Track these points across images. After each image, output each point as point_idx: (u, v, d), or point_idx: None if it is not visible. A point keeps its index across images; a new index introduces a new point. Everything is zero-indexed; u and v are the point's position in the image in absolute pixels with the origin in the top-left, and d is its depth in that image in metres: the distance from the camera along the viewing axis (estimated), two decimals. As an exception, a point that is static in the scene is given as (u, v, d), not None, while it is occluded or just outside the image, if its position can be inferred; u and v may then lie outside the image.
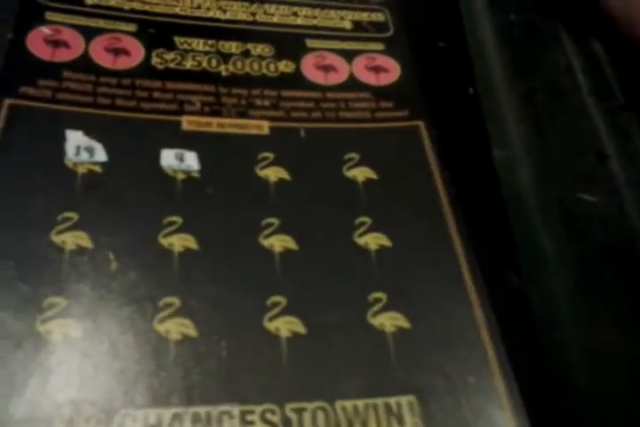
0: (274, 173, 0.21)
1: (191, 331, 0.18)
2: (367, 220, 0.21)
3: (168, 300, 0.18)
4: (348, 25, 0.27)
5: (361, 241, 0.20)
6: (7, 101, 0.21)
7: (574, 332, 0.20)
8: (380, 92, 0.24)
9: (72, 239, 0.19)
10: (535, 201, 0.23)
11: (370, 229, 0.21)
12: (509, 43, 0.28)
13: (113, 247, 0.19)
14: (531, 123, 0.25)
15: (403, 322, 0.19)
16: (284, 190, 0.21)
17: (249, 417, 0.17)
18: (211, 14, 0.25)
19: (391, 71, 0.25)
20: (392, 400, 0.17)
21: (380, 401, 0.17)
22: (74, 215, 0.19)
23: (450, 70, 0.26)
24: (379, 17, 0.27)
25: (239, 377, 0.17)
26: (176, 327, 0.18)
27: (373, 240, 0.20)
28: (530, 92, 0.26)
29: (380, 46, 0.26)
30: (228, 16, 0.25)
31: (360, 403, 0.17)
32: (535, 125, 0.25)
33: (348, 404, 0.17)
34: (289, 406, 0.17)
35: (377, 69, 0.25)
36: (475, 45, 0.28)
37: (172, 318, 0.18)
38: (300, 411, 0.17)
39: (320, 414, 0.17)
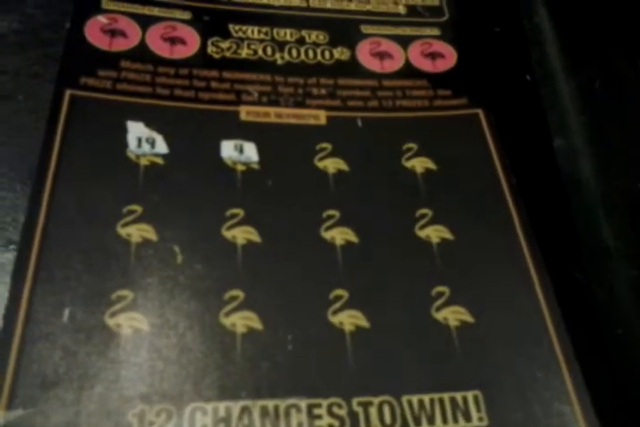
0: (332, 164, 0.21)
1: (256, 324, 0.18)
2: (428, 212, 0.21)
3: (233, 293, 0.18)
4: (402, 10, 0.26)
5: (422, 234, 0.20)
6: (69, 92, 0.21)
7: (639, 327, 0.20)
8: (437, 80, 0.24)
9: (137, 232, 0.19)
10: (597, 192, 0.23)
11: (431, 222, 0.20)
12: (567, 28, 0.27)
13: (178, 240, 0.19)
14: (590, 111, 0.25)
15: (466, 316, 0.19)
16: (344, 182, 0.21)
17: (316, 411, 0.17)
18: (264, 0, 0.25)
19: (448, 57, 0.25)
20: (458, 395, 0.17)
21: (445, 396, 0.17)
22: (138, 208, 0.19)
23: (506, 56, 0.26)
24: (433, 1, 0.26)
25: (305, 371, 0.18)
26: (242, 321, 0.18)
27: (435, 233, 0.20)
28: (589, 79, 0.25)
29: (435, 31, 0.25)
30: (281, 2, 0.25)
31: (426, 397, 0.17)
32: (595, 114, 0.25)
33: (414, 398, 0.17)
34: (355, 400, 0.17)
35: (433, 56, 0.25)
36: (531, 30, 0.27)
37: (238, 311, 0.18)
38: (366, 405, 0.17)
39: (386, 409, 0.17)
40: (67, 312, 0.17)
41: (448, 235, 0.20)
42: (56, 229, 0.18)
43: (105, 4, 0.23)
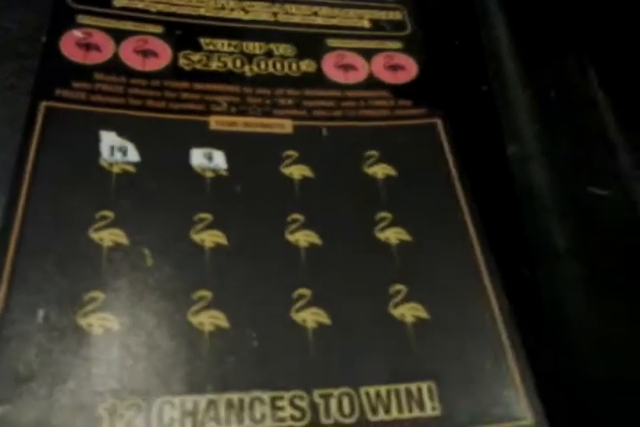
0: (298, 171, 0.22)
1: (223, 322, 0.19)
2: (388, 215, 0.22)
3: (201, 293, 0.19)
4: (366, 24, 0.27)
5: (382, 236, 0.21)
6: (44, 104, 0.22)
7: (585, 324, 0.21)
8: (398, 91, 0.25)
9: (109, 236, 0.20)
10: (548, 196, 0.24)
11: (390, 225, 0.22)
12: (524, 40, 0.28)
13: (148, 244, 0.20)
14: (543, 119, 0.26)
15: (422, 313, 0.20)
16: (308, 187, 0.22)
17: (279, 403, 0.18)
18: (234, 15, 0.26)
19: (408, 69, 0.26)
20: (412, 386, 0.18)
21: (401, 387, 0.18)
22: (110, 214, 0.20)
23: (465, 68, 0.27)
24: (396, 15, 0.28)
25: (269, 366, 0.18)
26: (209, 319, 0.19)
27: (394, 235, 0.21)
28: (544, 88, 0.27)
29: (397, 45, 0.27)
30: (250, 16, 0.26)
31: (383, 389, 0.18)
32: (547, 122, 0.26)
33: (372, 389, 0.18)
34: (316, 393, 0.18)
35: (395, 68, 0.26)
36: (489, 42, 0.28)
37: (205, 310, 0.19)
38: (326, 397, 0.18)
39: (345, 400, 0.18)
40: (41, 313, 0.18)
41: (406, 236, 0.21)
42: (31, 235, 0.19)
43: (80, 19, 0.24)
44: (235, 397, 0.18)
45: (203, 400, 0.18)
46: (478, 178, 0.23)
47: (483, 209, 0.22)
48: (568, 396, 0.19)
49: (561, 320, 0.21)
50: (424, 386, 0.18)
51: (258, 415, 0.18)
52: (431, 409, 0.18)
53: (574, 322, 0.21)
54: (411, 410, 0.18)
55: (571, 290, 0.21)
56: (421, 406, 0.18)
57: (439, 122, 0.25)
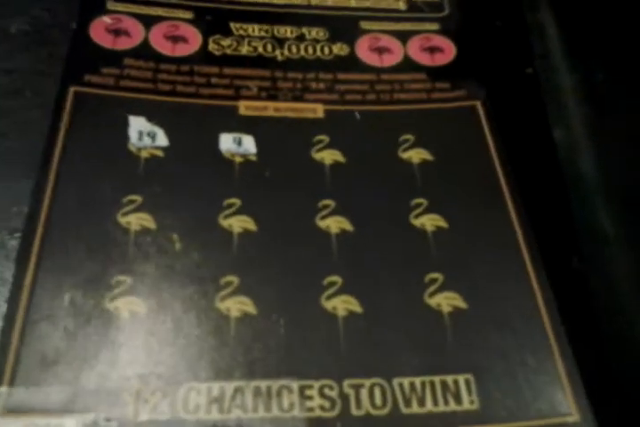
0: (329, 156, 0.22)
1: (250, 308, 0.18)
2: (423, 201, 0.21)
3: (228, 279, 0.19)
4: (402, 5, 0.26)
5: (417, 222, 0.20)
6: (72, 89, 0.22)
7: (636, 314, 0.19)
8: (435, 73, 0.24)
9: (137, 220, 0.20)
10: (596, 182, 0.23)
11: (426, 211, 0.21)
12: (570, 22, 0.27)
13: (176, 228, 0.20)
14: (591, 104, 0.25)
15: (459, 302, 0.19)
16: (340, 173, 0.21)
17: (308, 392, 0.17)
18: (266, -1, 0.26)
19: (447, 51, 0.25)
20: (449, 378, 0.17)
21: (436, 379, 0.17)
22: (138, 198, 0.20)
23: (508, 50, 0.26)
24: (433, -3, 0.27)
25: (298, 353, 0.18)
26: (236, 305, 0.18)
27: (429, 221, 0.20)
28: (591, 72, 0.25)
29: (435, 26, 0.26)
30: (282, 0, 0.26)
31: (417, 380, 0.17)
32: (596, 106, 0.25)
33: (405, 381, 0.17)
34: (347, 382, 0.17)
35: (432, 50, 0.25)
36: (534, 25, 0.27)
37: (233, 296, 0.19)
38: (357, 387, 0.17)
39: (377, 391, 0.17)
40: (67, 296, 0.18)
41: (443, 223, 0.20)
42: (59, 218, 0.19)
43: (110, 6, 0.24)
44: (262, 384, 0.17)
45: (229, 387, 0.17)
46: (522, 163, 0.22)
47: (527, 196, 0.21)
48: (616, 392, 0.17)
49: (610, 312, 0.19)
50: (461, 379, 0.17)
51: (286, 404, 0.17)
52: (469, 403, 0.17)
53: (624, 314, 0.19)
54: (447, 403, 0.17)
55: (620, 280, 0.20)
56: (458, 400, 0.17)
57: (479, 105, 0.23)
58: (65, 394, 0.17)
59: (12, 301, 0.18)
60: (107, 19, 0.23)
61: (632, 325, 0.19)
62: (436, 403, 0.17)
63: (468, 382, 0.17)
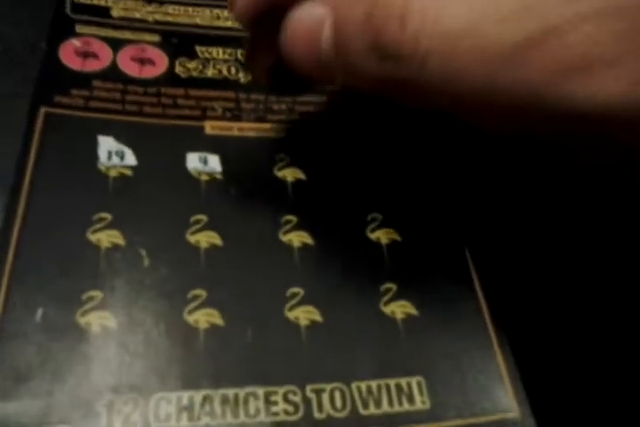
0: (291, 174, 0.23)
1: (218, 320, 0.19)
2: (378, 216, 0.22)
3: (196, 292, 0.20)
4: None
5: (373, 236, 0.22)
6: (43, 110, 0.22)
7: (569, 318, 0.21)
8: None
9: (107, 238, 0.20)
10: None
11: (381, 225, 0.22)
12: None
13: (144, 244, 0.20)
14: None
15: (411, 309, 0.20)
16: (301, 189, 0.23)
17: (272, 398, 0.18)
18: (229, 24, 0.27)
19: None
20: (402, 381, 0.19)
21: (391, 382, 0.19)
22: (107, 216, 0.21)
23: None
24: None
25: (263, 362, 0.19)
26: (204, 317, 0.19)
27: (385, 235, 0.22)
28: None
29: None
30: (244, 25, 0.27)
31: (373, 384, 0.19)
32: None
33: (363, 384, 0.19)
34: (309, 388, 0.19)
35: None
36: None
37: (200, 308, 0.20)
38: (319, 391, 0.19)
39: (337, 394, 0.18)
40: (40, 312, 0.19)
41: (396, 236, 0.22)
42: (30, 237, 0.20)
43: (79, 29, 0.25)
44: (230, 392, 0.18)
45: (198, 396, 0.18)
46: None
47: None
48: (553, 389, 0.19)
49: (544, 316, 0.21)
50: (413, 381, 0.19)
51: (252, 410, 0.18)
52: (421, 403, 0.19)
53: (557, 318, 0.21)
54: (401, 404, 0.18)
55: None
56: (411, 400, 0.19)
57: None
58: (39, 408, 0.17)
59: (-15, 317, 0.18)
60: (76, 42, 0.24)
61: (565, 326, 0.21)
62: (391, 404, 0.18)
63: (419, 384, 0.19)
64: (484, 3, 0.14)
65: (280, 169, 0.23)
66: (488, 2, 0.14)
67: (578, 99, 0.14)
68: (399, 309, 0.20)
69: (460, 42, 0.14)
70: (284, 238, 0.21)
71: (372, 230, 0.22)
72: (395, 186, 0.23)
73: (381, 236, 0.22)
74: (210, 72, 0.25)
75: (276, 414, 0.18)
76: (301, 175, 0.23)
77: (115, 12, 0.26)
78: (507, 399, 0.19)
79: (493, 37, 0.14)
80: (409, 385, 0.19)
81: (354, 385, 0.19)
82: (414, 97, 0.17)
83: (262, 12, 0.18)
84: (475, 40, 0.14)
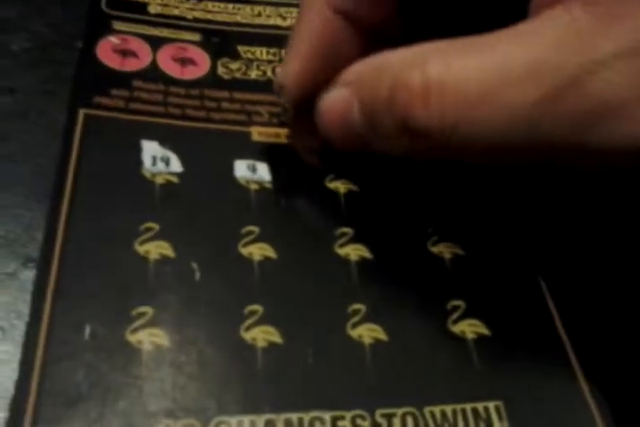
0: (343, 185, 0.22)
1: (276, 338, 0.18)
2: (438, 229, 0.21)
3: (252, 308, 0.19)
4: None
5: (435, 250, 0.21)
6: (82, 111, 0.21)
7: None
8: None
9: (155, 249, 0.19)
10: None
11: (442, 239, 0.21)
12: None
13: (195, 257, 0.19)
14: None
15: (482, 329, 0.19)
16: (354, 201, 0.22)
17: (340, 423, 0.17)
18: (271, 22, 0.26)
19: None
20: (479, 406, 0.18)
21: (467, 406, 0.18)
22: (155, 225, 0.20)
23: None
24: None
25: (327, 383, 0.18)
26: (262, 335, 0.18)
27: (447, 249, 0.21)
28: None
29: None
30: (288, 23, 0.26)
31: (448, 408, 0.18)
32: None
33: (436, 409, 0.18)
34: (379, 412, 0.17)
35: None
36: None
37: (258, 325, 0.18)
38: (389, 416, 0.17)
39: (409, 420, 0.17)
40: (88, 330, 0.17)
41: (459, 251, 0.21)
42: (74, 247, 0.19)
43: (116, 26, 0.23)
44: (294, 416, 0.17)
45: (260, 421, 0.17)
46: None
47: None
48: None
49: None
50: (491, 405, 0.18)
51: (319, 436, 0.17)
52: (501, 429, 0.18)
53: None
54: (479, 430, 0.18)
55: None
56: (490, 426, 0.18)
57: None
58: (90, 433, 0.16)
59: (31, 336, 0.17)
60: (114, 39, 0.23)
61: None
62: (468, 430, 0.17)
63: (498, 409, 0.18)
64: (495, 62, 0.15)
65: (331, 180, 0.22)
66: (497, 62, 0.15)
67: (616, 140, 0.14)
68: (469, 328, 0.19)
69: (484, 106, 0.15)
70: (341, 252, 0.20)
71: (434, 244, 0.21)
72: (453, 197, 0.22)
73: (444, 250, 0.21)
74: (254, 73, 0.24)
75: (345, 440, 0.17)
76: (353, 186, 0.22)
77: (152, 9, 0.24)
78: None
79: (513, 97, 0.15)
80: (486, 410, 0.18)
81: (426, 410, 0.18)
82: (444, 157, 0.18)
83: (305, 96, 0.20)
84: (496, 103, 0.15)
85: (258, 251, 0.20)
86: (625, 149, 0.14)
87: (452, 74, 0.15)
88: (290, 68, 0.20)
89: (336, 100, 0.18)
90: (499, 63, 0.15)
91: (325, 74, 0.19)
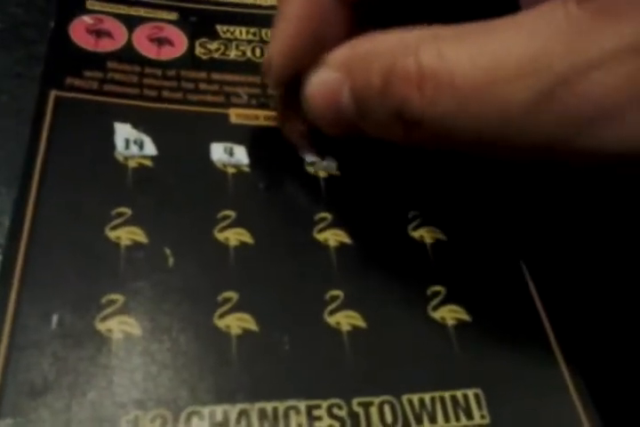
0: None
1: (252, 325, 0.18)
2: (420, 213, 0.21)
3: (227, 294, 0.18)
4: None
5: (415, 235, 0.20)
6: (53, 93, 0.20)
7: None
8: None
9: (127, 235, 0.19)
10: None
11: (423, 223, 0.20)
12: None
13: (169, 242, 0.19)
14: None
15: (463, 315, 0.19)
16: (334, 185, 0.21)
17: (316, 412, 0.17)
18: (251, 1, 0.25)
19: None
20: (458, 393, 0.17)
21: (446, 394, 0.17)
22: (127, 210, 0.19)
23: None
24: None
25: (303, 372, 0.17)
26: (236, 322, 0.18)
27: (428, 234, 0.20)
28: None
29: None
30: (269, 2, 0.25)
31: (426, 396, 0.17)
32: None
33: (415, 397, 0.17)
34: (355, 401, 0.17)
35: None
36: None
37: (232, 312, 0.18)
38: (366, 405, 0.17)
39: (387, 408, 0.17)
40: (55, 318, 0.17)
41: (441, 235, 0.20)
42: (43, 233, 0.18)
43: (90, 5, 0.23)
44: (268, 406, 0.17)
45: (233, 410, 0.16)
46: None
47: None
48: (624, 402, 0.17)
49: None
50: (470, 393, 0.17)
51: (293, 426, 0.16)
52: (480, 417, 0.17)
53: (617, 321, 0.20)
54: (458, 419, 0.17)
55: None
56: (469, 415, 0.17)
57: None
58: (56, 424, 0.15)
59: (-4, 324, 0.17)
60: (88, 18, 0.22)
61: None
62: (447, 419, 0.17)
63: (477, 396, 0.17)
64: (489, 58, 0.15)
65: (310, 164, 0.21)
66: (492, 57, 0.15)
67: (607, 143, 0.14)
68: (449, 314, 0.19)
69: (475, 102, 0.15)
70: (320, 237, 0.20)
71: (414, 228, 0.20)
72: (434, 182, 0.22)
73: (425, 234, 0.20)
74: (233, 54, 0.23)
75: (320, 430, 0.16)
76: (334, 171, 0.21)
77: (128, -13, 0.24)
78: (575, 413, 0.17)
79: (504, 95, 0.14)
80: (466, 398, 0.17)
81: (404, 398, 0.17)
82: (435, 146, 0.18)
83: (292, 76, 0.19)
84: (488, 99, 0.15)
85: (234, 236, 0.19)
86: (616, 153, 0.14)
87: (446, 64, 0.15)
88: (276, 46, 0.19)
89: (324, 84, 0.18)
90: (492, 58, 0.15)
91: (313, 53, 0.18)
